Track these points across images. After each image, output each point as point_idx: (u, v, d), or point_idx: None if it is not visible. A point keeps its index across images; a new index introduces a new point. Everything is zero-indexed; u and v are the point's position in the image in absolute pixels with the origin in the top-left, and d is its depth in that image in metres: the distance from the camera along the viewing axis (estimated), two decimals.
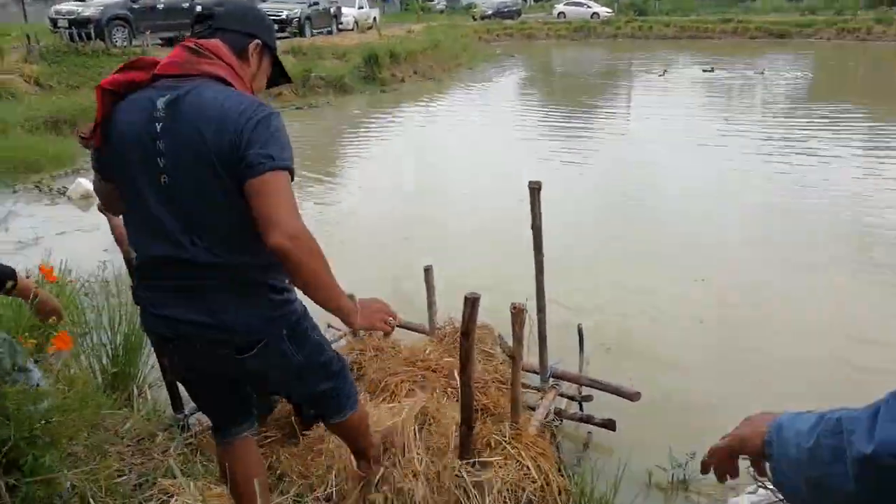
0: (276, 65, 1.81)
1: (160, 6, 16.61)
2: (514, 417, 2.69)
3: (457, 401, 2.89)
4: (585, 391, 3.31)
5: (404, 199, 7.73)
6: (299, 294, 1.66)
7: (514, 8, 38.27)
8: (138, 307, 1.77)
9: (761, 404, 3.49)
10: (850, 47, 25.02)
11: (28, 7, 24.02)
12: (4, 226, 6.61)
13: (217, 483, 2.40)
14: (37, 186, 8.12)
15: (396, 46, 19.11)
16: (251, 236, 1.53)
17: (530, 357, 3.03)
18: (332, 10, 23.19)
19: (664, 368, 3.86)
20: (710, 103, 14.39)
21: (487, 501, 2.30)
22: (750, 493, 1.32)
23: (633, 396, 3.01)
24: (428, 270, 3.63)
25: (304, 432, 2.69)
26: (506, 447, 2.59)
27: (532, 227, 2.88)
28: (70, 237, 6.31)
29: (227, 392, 1.87)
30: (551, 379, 3.21)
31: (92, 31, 14.99)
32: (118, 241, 2.45)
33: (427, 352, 3.31)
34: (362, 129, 12.38)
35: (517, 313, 2.46)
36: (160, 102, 1.56)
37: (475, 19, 35.19)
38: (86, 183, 7.70)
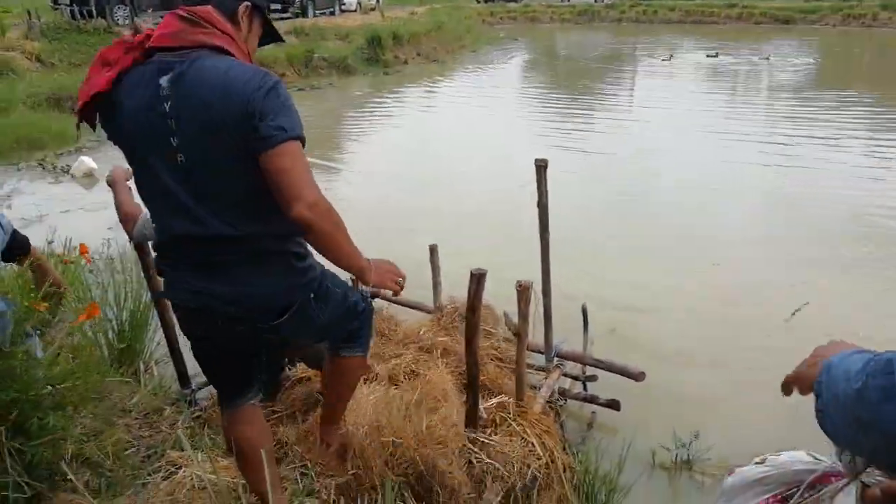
0: (266, 24, 1.76)
1: None
2: (519, 395, 2.71)
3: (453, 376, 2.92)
4: (590, 371, 3.32)
5: (404, 183, 7.69)
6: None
7: None
8: (161, 279, 1.80)
9: (765, 386, 3.49)
10: (855, 34, 24.82)
11: None
12: (8, 203, 6.61)
13: (224, 456, 2.43)
14: (40, 164, 8.11)
15: (399, 28, 18.98)
16: (269, 206, 1.55)
17: (534, 337, 3.05)
18: None
19: (669, 350, 3.88)
20: (715, 89, 14.30)
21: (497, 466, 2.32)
22: (757, 462, 1.33)
23: (637, 376, 3.02)
24: (433, 250, 3.63)
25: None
26: (511, 424, 2.62)
27: (538, 205, 2.88)
28: (74, 215, 6.31)
29: (240, 364, 1.90)
30: (556, 358, 3.22)
31: (93, 8, 14.90)
32: (122, 220, 2.44)
33: (422, 332, 3.31)
34: (365, 111, 12.33)
35: (523, 291, 2.46)
36: (164, 80, 1.52)
37: (479, 2, 34.89)
38: (89, 161, 7.69)
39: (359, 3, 24.79)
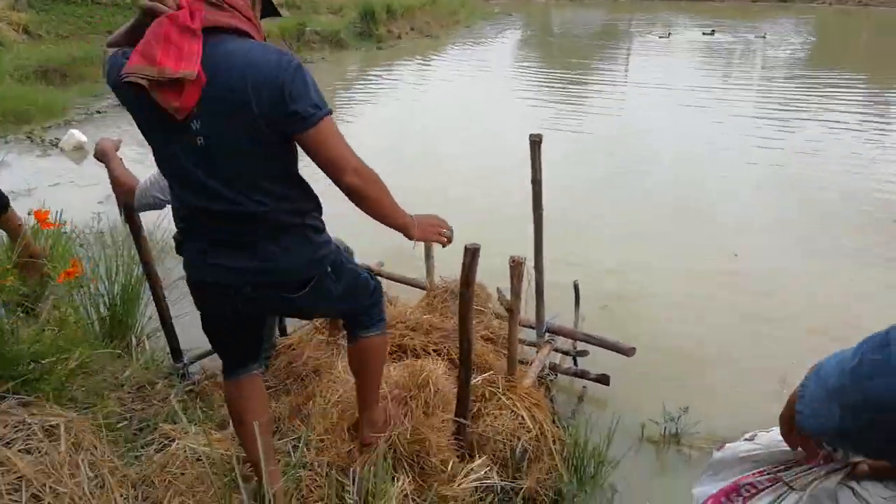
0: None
1: None
2: (511, 370, 2.73)
3: (435, 353, 2.94)
4: (581, 346, 3.34)
5: (393, 159, 7.60)
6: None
7: None
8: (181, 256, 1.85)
9: (754, 363, 3.53)
10: (852, 12, 24.74)
11: None
12: None
13: (217, 428, 2.44)
14: (28, 137, 8.01)
15: (393, 2, 18.73)
16: (289, 183, 1.69)
17: (526, 313, 3.06)
18: None
19: (659, 326, 3.90)
20: (711, 67, 14.24)
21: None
22: (747, 439, 1.34)
23: (628, 352, 3.05)
24: None
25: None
26: (500, 398, 2.64)
27: (532, 182, 2.87)
28: (63, 188, 6.26)
29: (251, 336, 1.98)
30: (547, 334, 3.24)
31: None
32: (118, 191, 2.40)
33: (408, 312, 3.32)
34: (357, 86, 12.23)
35: (516, 266, 2.47)
36: None
37: None
38: (78, 134, 7.60)
39: None
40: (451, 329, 3.09)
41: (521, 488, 2.40)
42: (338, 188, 1.65)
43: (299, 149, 1.66)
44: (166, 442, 2.27)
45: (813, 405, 0.94)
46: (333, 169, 1.60)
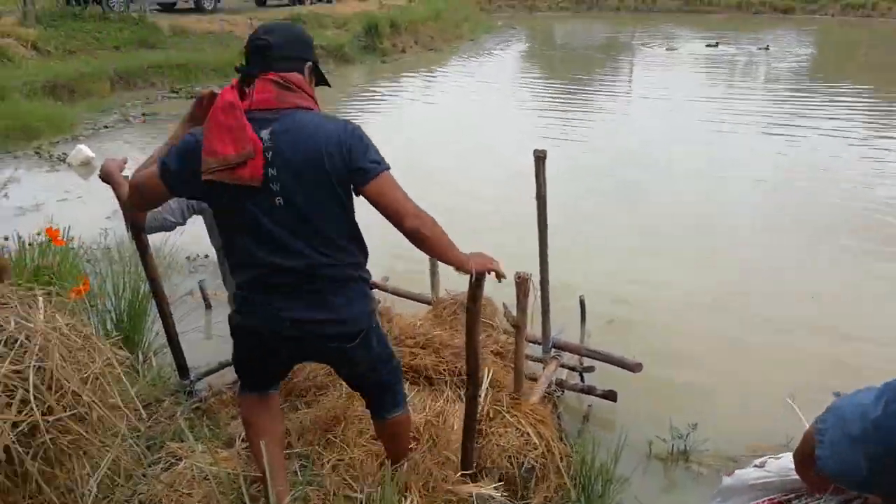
0: (318, 72, 1.99)
1: None
2: (517, 387, 2.72)
3: (448, 374, 2.93)
4: (587, 362, 3.33)
5: (398, 173, 7.63)
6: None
7: None
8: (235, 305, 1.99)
9: (762, 378, 3.49)
10: (855, 24, 24.76)
11: None
12: (4, 192, 6.58)
13: (224, 447, 2.44)
14: (36, 152, 8.07)
15: (397, 16, 18.85)
16: (350, 237, 1.89)
17: (532, 328, 3.05)
18: None
19: (666, 341, 3.89)
20: (715, 79, 14.27)
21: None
22: (757, 465, 1.32)
23: (634, 367, 3.04)
24: None
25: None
26: (505, 416, 2.63)
27: (537, 197, 2.88)
28: (71, 204, 6.28)
29: (285, 369, 2.19)
30: (553, 349, 3.23)
31: None
32: (128, 211, 2.41)
33: (418, 325, 3.31)
34: (361, 100, 12.28)
35: (522, 282, 2.47)
36: (264, 133, 1.74)
37: None
38: (86, 150, 7.65)
39: None
40: (461, 346, 3.08)
41: None
42: (399, 232, 1.83)
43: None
44: (173, 461, 2.26)
45: (835, 450, 0.93)
46: (395, 215, 1.79)
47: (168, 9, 18.03)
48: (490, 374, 2.85)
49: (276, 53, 1.81)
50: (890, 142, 8.77)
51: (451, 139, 8.92)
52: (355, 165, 1.77)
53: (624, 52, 19.18)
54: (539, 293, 3.01)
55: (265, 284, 1.87)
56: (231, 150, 1.70)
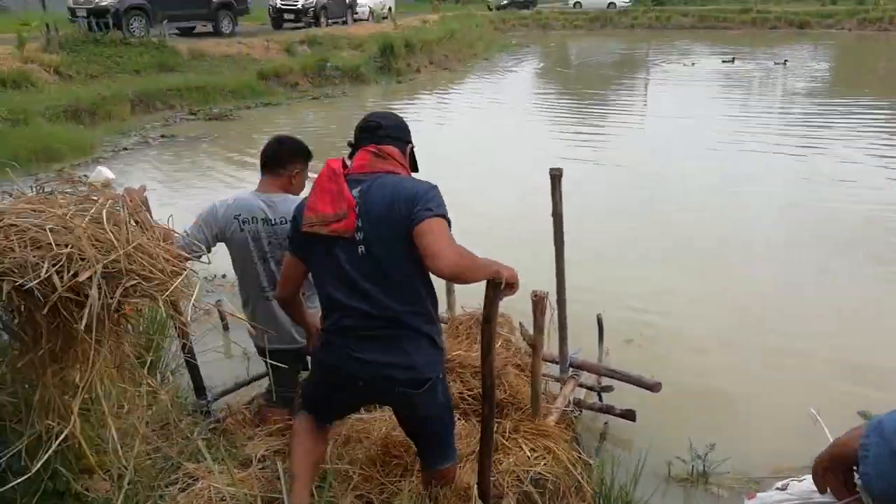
0: (412, 158, 2.25)
1: None
2: (535, 407, 2.70)
3: (473, 399, 2.90)
4: (605, 381, 3.30)
5: None
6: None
7: None
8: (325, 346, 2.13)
9: (783, 397, 3.44)
10: (871, 38, 24.64)
11: None
12: None
13: (241, 468, 2.43)
14: (58, 174, 8.20)
15: (412, 36, 19.05)
16: (423, 287, 2.03)
17: (549, 347, 3.03)
18: None
19: (685, 359, 3.84)
20: (733, 96, 14.21)
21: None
22: (779, 488, 1.30)
23: (653, 387, 3.00)
24: None
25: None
26: (524, 436, 2.60)
27: (553, 215, 2.87)
28: None
29: (349, 407, 2.35)
30: (571, 369, 3.20)
31: (110, 20, 15.08)
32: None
33: None
34: None
35: (538, 301, 2.46)
36: (355, 192, 1.99)
37: (490, 9, 34.98)
38: (106, 171, 7.76)
39: (371, 12, 24.92)
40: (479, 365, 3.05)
41: None
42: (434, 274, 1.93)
43: None
44: (190, 481, 2.26)
45: (880, 467, 0.91)
46: (431, 258, 1.88)
47: (186, 33, 18.37)
48: (507, 393, 2.85)
49: (382, 133, 2.12)
50: None
51: (466, 161, 8.93)
52: (416, 209, 1.92)
53: (639, 69, 19.20)
54: (556, 311, 3.00)
55: (343, 327, 2.03)
56: (329, 210, 1.98)
